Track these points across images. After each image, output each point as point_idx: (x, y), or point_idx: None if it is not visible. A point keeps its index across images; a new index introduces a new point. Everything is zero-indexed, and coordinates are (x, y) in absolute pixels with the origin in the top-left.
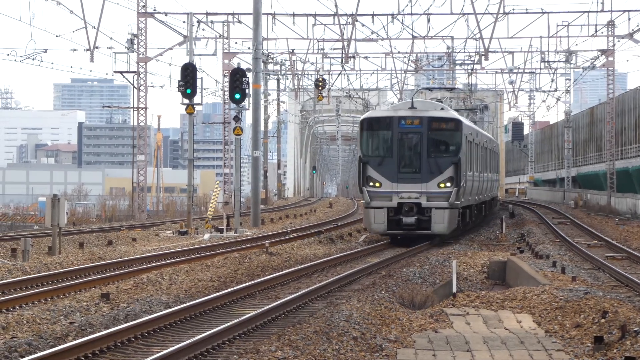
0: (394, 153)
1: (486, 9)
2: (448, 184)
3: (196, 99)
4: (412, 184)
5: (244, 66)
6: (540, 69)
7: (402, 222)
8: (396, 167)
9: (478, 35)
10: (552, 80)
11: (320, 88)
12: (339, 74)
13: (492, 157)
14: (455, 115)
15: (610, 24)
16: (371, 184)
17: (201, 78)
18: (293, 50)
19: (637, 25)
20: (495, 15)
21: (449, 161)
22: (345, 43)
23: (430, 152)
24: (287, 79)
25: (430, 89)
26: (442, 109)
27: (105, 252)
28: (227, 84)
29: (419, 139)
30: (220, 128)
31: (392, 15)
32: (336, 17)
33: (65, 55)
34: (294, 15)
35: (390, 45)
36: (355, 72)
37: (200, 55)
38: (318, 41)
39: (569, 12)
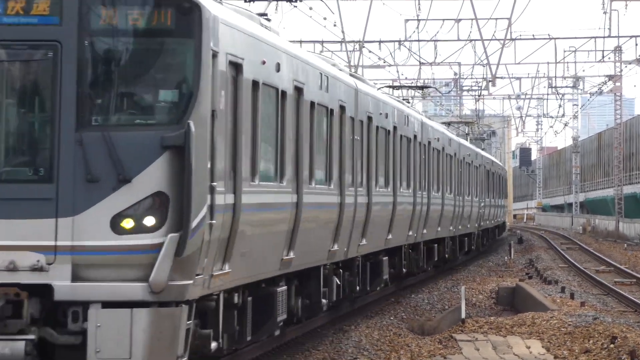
0: None
1: (493, 35)
2: (150, 221)
3: None
4: (21, 219)
5: None
6: (548, 94)
7: None
8: None
9: (485, 62)
10: (560, 106)
11: None
12: None
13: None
14: None
15: (618, 50)
16: None
17: None
18: None
19: None
20: (502, 42)
21: (153, 140)
22: (353, 69)
23: (89, 109)
24: None
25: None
26: None
27: None
28: None
29: (49, 69)
30: None
31: (399, 41)
32: (343, 44)
33: None
34: (301, 42)
35: (398, 72)
36: None
37: None
38: None
39: (576, 37)
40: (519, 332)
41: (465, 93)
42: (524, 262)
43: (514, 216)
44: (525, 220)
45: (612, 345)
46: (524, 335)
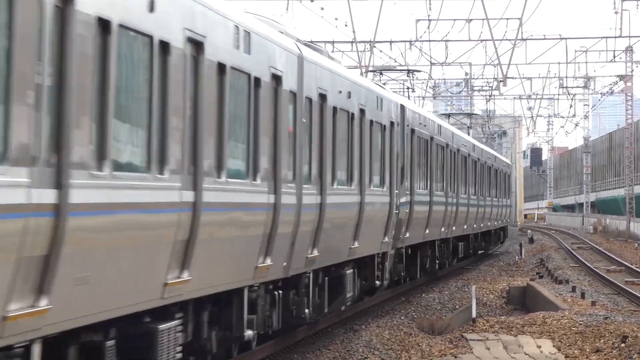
0: None
1: (504, 36)
2: None
3: None
4: None
5: None
6: (559, 94)
7: None
8: None
9: (496, 62)
10: (571, 106)
11: None
12: None
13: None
14: None
15: (629, 50)
16: None
17: None
18: None
19: None
20: (513, 42)
21: None
22: (363, 70)
23: None
24: None
25: (448, 115)
26: None
27: None
28: None
29: None
30: None
31: (410, 42)
32: (354, 44)
33: None
34: (312, 42)
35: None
36: None
37: None
38: None
39: (587, 37)
40: (530, 331)
41: (476, 93)
42: (535, 261)
43: (525, 216)
44: (536, 220)
45: (623, 345)
46: (535, 335)
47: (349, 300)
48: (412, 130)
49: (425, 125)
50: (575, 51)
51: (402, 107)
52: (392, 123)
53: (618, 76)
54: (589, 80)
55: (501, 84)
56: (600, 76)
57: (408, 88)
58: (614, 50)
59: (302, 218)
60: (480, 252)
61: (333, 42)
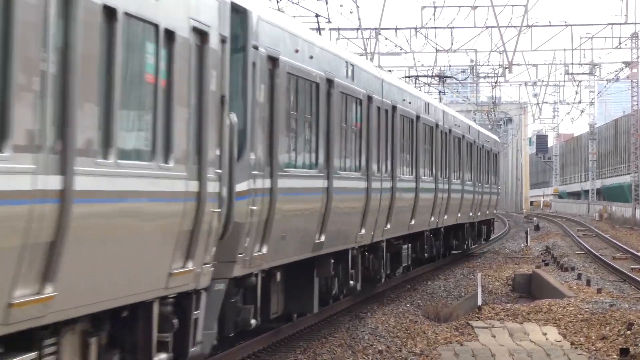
0: None
1: (509, 22)
2: None
3: None
4: None
5: None
6: (564, 81)
7: None
8: None
9: (502, 48)
10: (576, 93)
11: None
12: None
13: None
14: None
15: (634, 36)
16: None
17: None
18: None
19: None
20: (518, 28)
21: None
22: (369, 57)
23: None
24: None
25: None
26: None
27: None
28: None
29: None
30: None
31: (416, 28)
32: (359, 31)
33: None
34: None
35: (414, 59)
36: None
37: None
38: None
39: (592, 24)
40: (536, 319)
41: (481, 80)
42: (541, 249)
43: (531, 203)
44: (541, 207)
45: (628, 332)
46: (541, 322)
47: None
48: (273, 61)
49: (311, 57)
50: (581, 38)
51: (242, 13)
52: (203, 34)
53: (623, 63)
54: (595, 67)
55: (507, 70)
56: (605, 63)
57: (317, 15)
58: (620, 37)
59: None
60: (454, 252)
61: (339, 29)
